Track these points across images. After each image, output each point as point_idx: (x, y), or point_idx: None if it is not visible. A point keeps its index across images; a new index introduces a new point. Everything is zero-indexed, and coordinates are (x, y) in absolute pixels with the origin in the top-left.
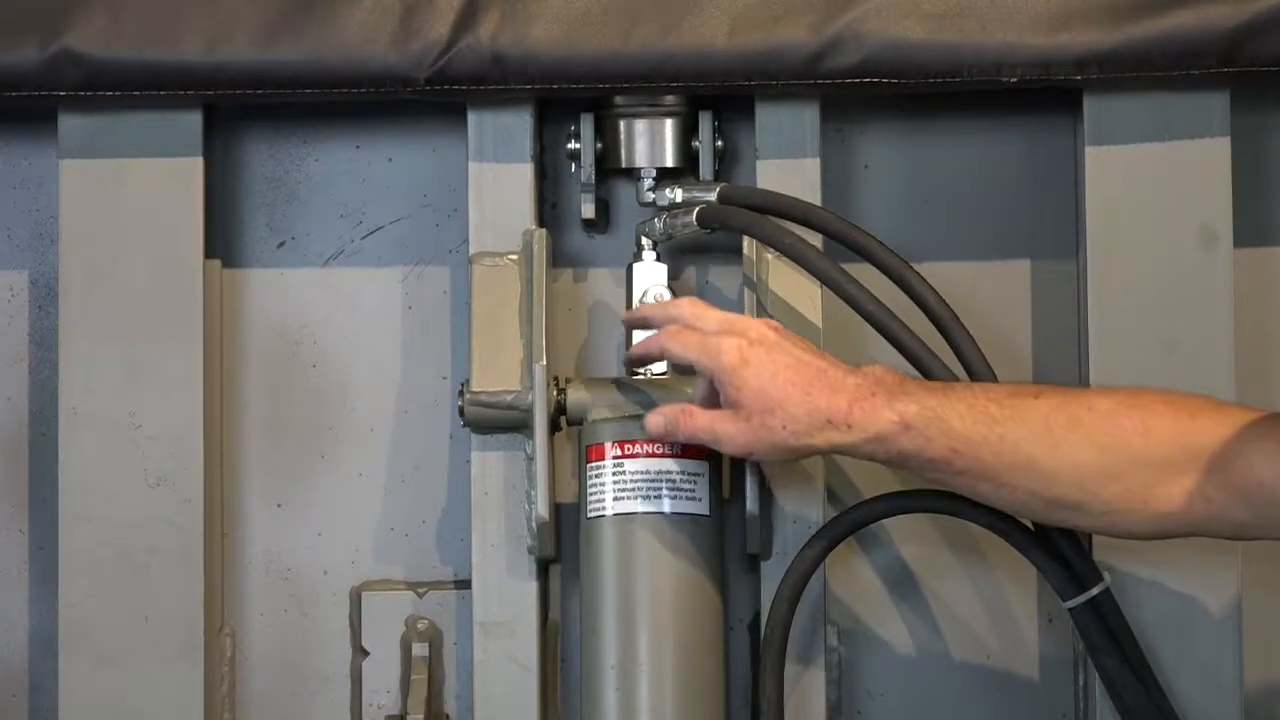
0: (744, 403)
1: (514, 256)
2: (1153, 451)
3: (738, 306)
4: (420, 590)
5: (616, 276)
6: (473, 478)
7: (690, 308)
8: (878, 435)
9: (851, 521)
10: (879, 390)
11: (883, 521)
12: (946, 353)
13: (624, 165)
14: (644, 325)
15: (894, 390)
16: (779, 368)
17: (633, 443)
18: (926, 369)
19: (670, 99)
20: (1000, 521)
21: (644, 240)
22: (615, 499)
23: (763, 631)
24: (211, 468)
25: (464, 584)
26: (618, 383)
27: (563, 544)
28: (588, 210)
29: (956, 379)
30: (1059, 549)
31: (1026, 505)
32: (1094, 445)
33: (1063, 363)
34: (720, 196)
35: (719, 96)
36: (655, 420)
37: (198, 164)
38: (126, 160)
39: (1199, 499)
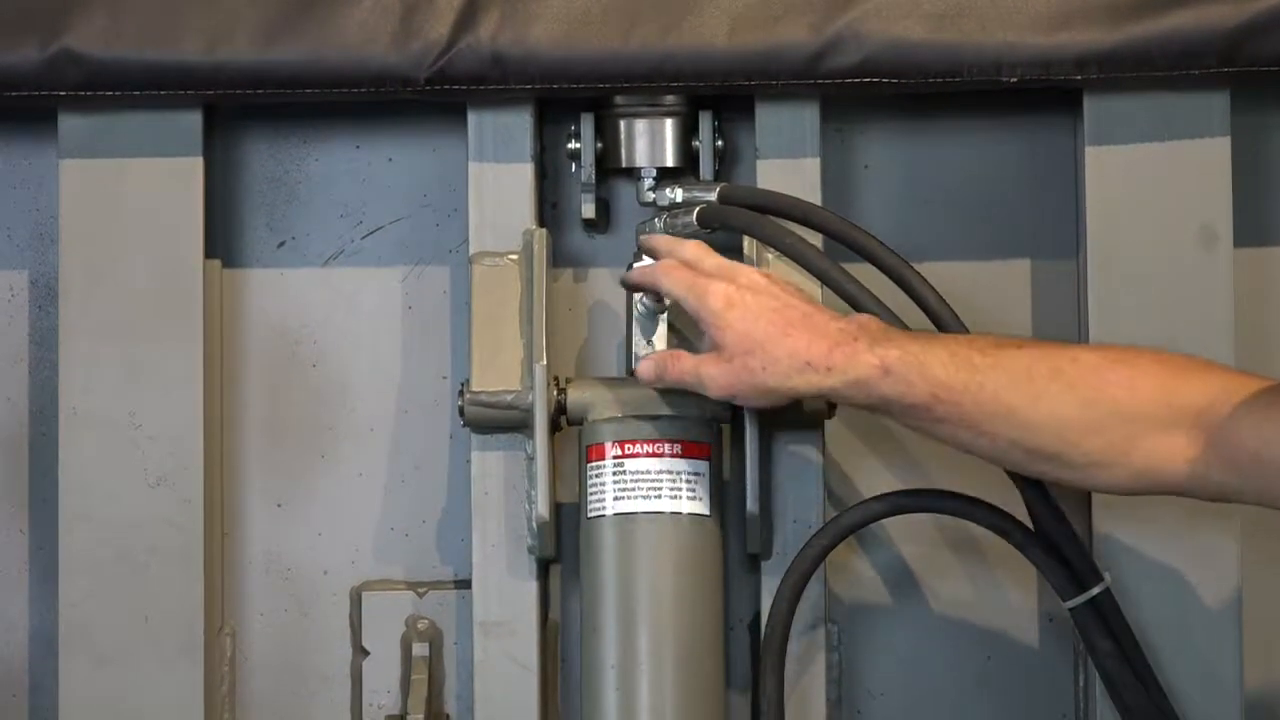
0: (727, 344)
1: (514, 256)
2: (1137, 407)
3: None
4: (420, 590)
5: (617, 276)
6: (473, 478)
7: (694, 250)
8: (858, 379)
9: (851, 521)
10: (861, 335)
11: (883, 521)
12: None
13: (624, 165)
14: (651, 255)
15: (877, 336)
16: (763, 310)
17: (633, 442)
18: None
19: (670, 99)
20: (1000, 521)
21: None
22: (616, 499)
23: (763, 631)
24: (211, 468)
25: (464, 584)
26: (618, 382)
27: (563, 544)
28: (588, 210)
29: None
30: (1059, 549)
31: (1007, 454)
32: (1076, 397)
33: None
34: (720, 196)
35: (719, 96)
36: (645, 366)
37: (198, 164)
38: (126, 160)
39: (1182, 459)
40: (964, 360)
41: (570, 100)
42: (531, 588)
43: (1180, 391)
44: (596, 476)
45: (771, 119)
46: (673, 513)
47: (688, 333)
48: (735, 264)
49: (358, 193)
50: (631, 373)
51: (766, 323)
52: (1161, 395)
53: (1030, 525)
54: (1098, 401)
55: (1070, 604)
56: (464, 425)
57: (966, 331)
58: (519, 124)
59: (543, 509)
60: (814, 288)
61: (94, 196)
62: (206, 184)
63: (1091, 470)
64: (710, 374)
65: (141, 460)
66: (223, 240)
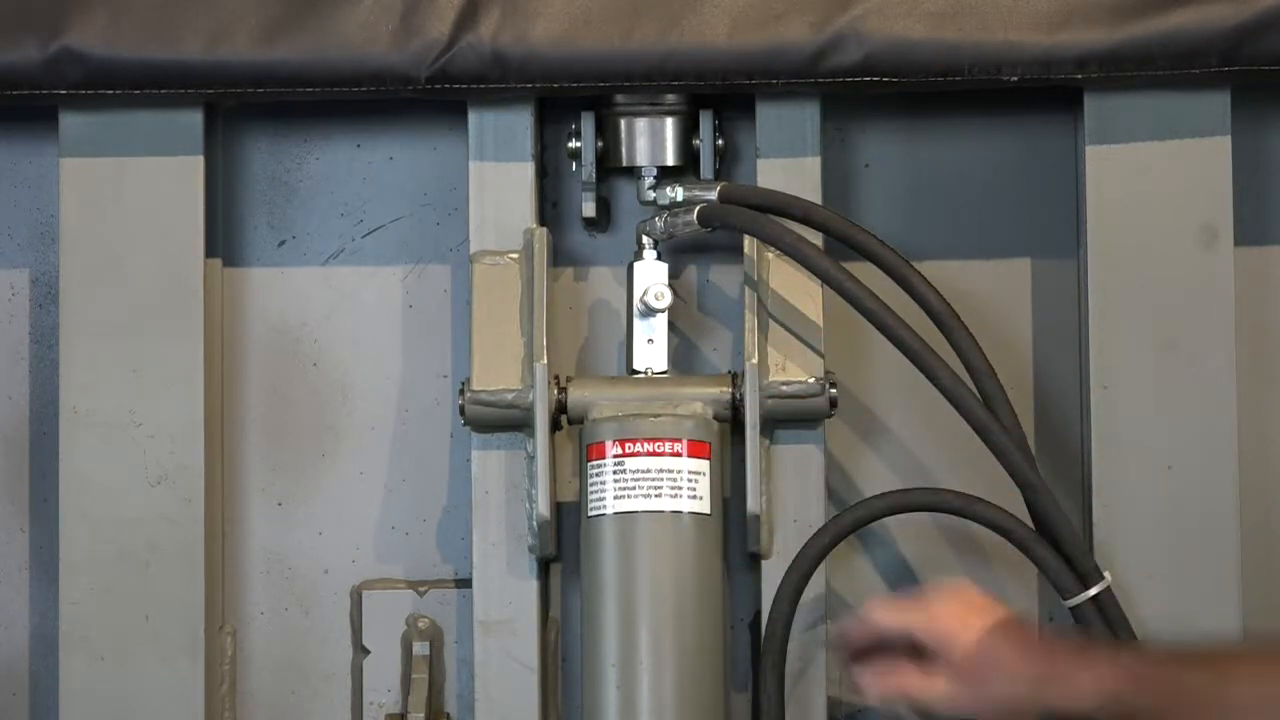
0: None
1: (515, 255)
2: None
3: (739, 305)
4: (421, 589)
5: (617, 275)
6: (473, 477)
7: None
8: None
9: (852, 521)
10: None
11: (883, 521)
12: (947, 351)
13: (625, 164)
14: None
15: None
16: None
17: (634, 441)
18: (927, 367)
19: (671, 98)
20: (1001, 520)
21: (645, 239)
22: (616, 497)
23: (763, 630)
24: (212, 466)
25: (464, 583)
26: (618, 381)
27: (563, 542)
28: (588, 209)
29: (958, 377)
30: (1060, 548)
31: None
32: None
33: (1063, 361)
34: (721, 195)
35: (720, 95)
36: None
37: (198, 163)
38: (127, 159)
39: None
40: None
41: (571, 99)
42: (532, 586)
43: None
44: (597, 475)
45: (772, 118)
46: (673, 512)
47: None
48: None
49: (358, 191)
50: (633, 372)
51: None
52: None
53: (1031, 524)
54: None
55: (1071, 602)
56: (464, 424)
57: (967, 330)
58: (519, 123)
59: (543, 508)
60: (815, 286)
61: (94, 195)
62: (207, 183)
63: None
64: None
65: (142, 459)
66: (223, 239)
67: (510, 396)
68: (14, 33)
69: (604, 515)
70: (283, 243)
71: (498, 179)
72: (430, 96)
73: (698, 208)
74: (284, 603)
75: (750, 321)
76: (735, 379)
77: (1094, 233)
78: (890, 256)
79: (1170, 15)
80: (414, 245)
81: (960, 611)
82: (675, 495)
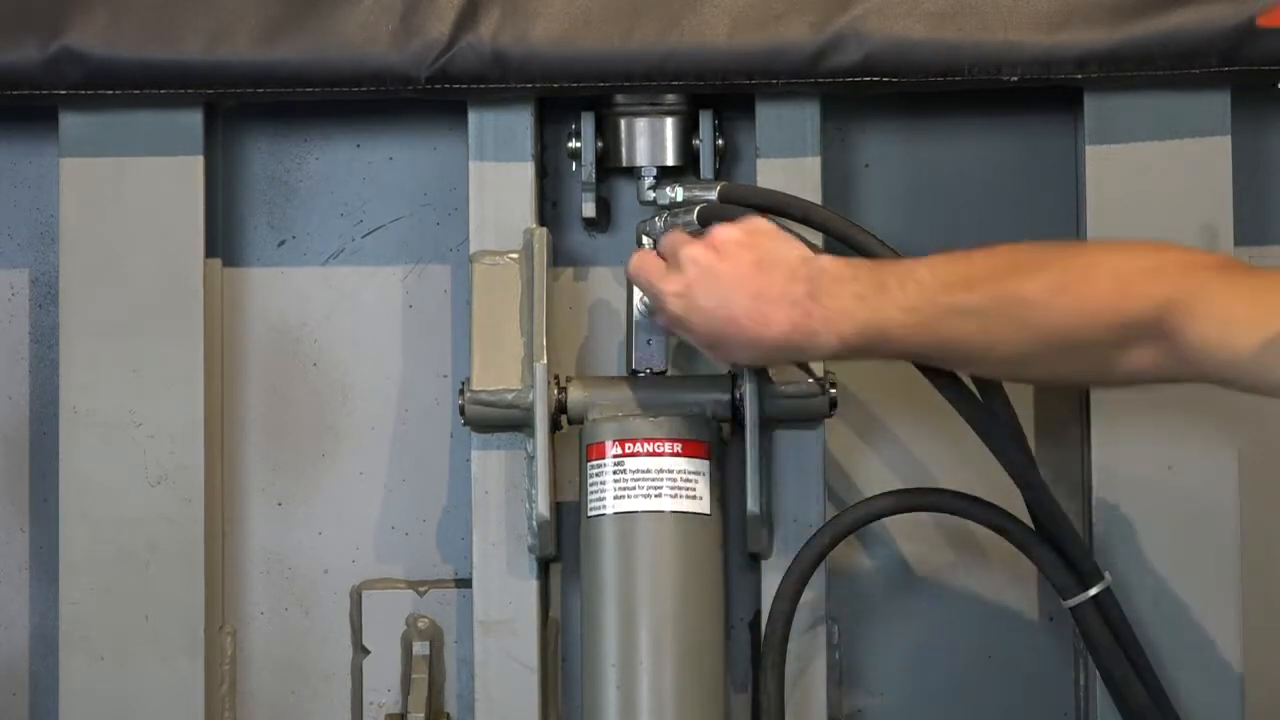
0: (696, 342)
1: (514, 255)
2: (1094, 336)
3: None
4: (421, 589)
5: (617, 275)
6: (473, 477)
7: (666, 242)
8: (822, 355)
9: (852, 520)
10: (815, 310)
11: (883, 520)
12: None
13: (625, 164)
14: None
15: (833, 306)
16: (715, 310)
17: (633, 441)
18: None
19: (671, 98)
20: (1001, 520)
21: (645, 239)
22: (616, 497)
23: (763, 630)
24: (212, 466)
25: (464, 583)
26: (619, 381)
27: (563, 543)
28: (588, 209)
29: (958, 376)
30: (1060, 547)
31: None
32: (1034, 338)
33: None
34: (721, 195)
35: (719, 95)
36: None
37: (198, 163)
38: (127, 159)
39: (1152, 365)
40: (922, 321)
41: (571, 99)
42: (532, 586)
43: (1130, 310)
44: (597, 476)
45: (772, 118)
46: (673, 512)
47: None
48: (688, 248)
49: (358, 191)
50: (633, 372)
51: (721, 322)
52: (1114, 319)
53: (1031, 524)
54: (1054, 341)
55: (1070, 602)
56: (464, 424)
57: None
58: (519, 123)
59: (543, 508)
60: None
61: (94, 195)
62: (207, 183)
63: (1082, 382)
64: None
65: (142, 459)
66: (223, 239)
67: (510, 396)
68: (14, 33)
69: (604, 515)
70: (283, 243)
71: (498, 179)
72: (430, 96)
73: (698, 208)
74: (284, 603)
75: None
76: (735, 379)
77: (1094, 233)
78: (890, 257)
79: (1170, 15)
80: (414, 245)
81: (683, 296)
82: (675, 495)
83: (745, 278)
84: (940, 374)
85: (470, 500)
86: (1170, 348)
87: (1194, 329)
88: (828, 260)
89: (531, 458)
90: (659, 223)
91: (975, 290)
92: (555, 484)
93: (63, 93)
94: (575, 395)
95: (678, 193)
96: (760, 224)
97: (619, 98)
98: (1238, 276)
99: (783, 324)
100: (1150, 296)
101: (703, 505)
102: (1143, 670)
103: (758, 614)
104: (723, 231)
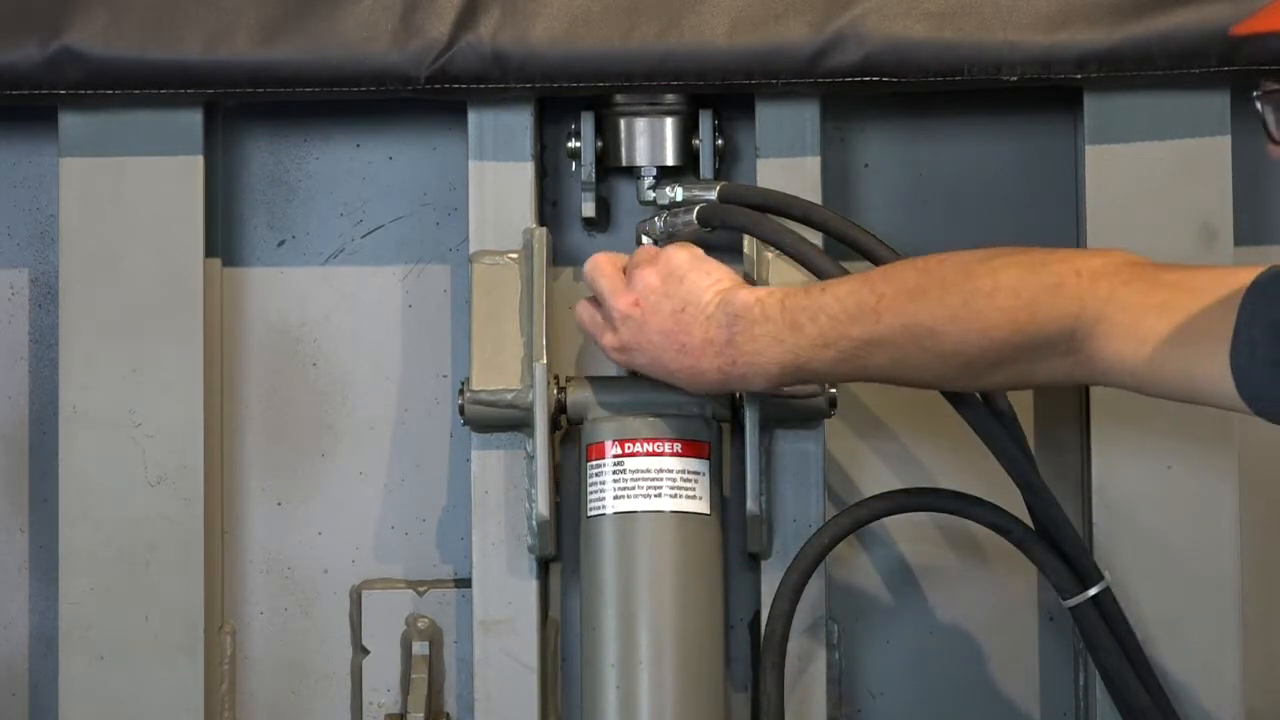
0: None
1: (514, 255)
2: (1000, 355)
3: None
4: (420, 589)
5: None
6: (473, 476)
7: (601, 283)
8: (764, 384)
9: (852, 521)
10: (733, 348)
11: (883, 520)
12: None
13: (624, 164)
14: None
15: (747, 338)
16: (650, 354)
17: (633, 441)
18: None
19: (670, 97)
20: (1001, 520)
21: (644, 239)
22: (616, 497)
23: (763, 630)
24: (212, 466)
25: (464, 582)
26: (618, 382)
27: (563, 542)
28: (588, 209)
29: None
30: (1060, 547)
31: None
32: (944, 360)
33: None
34: (720, 195)
35: (719, 95)
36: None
37: (198, 162)
38: (126, 159)
39: (1066, 374)
40: (838, 356)
41: (570, 99)
42: (531, 586)
43: (1034, 329)
44: (596, 475)
45: (772, 118)
46: (673, 512)
47: None
48: (619, 301)
49: (358, 191)
50: (632, 372)
51: (662, 374)
52: (1020, 340)
53: (1030, 524)
54: (966, 363)
55: (1070, 603)
56: (464, 424)
57: None
58: (519, 123)
59: (543, 508)
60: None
61: (94, 195)
62: (207, 182)
63: (1011, 388)
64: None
65: (142, 459)
66: (223, 239)
67: (510, 396)
68: (14, 33)
69: (603, 515)
70: (282, 243)
71: (497, 179)
72: (430, 96)
73: (697, 207)
74: (284, 603)
75: None
76: None
77: (1094, 233)
78: (890, 257)
79: (1170, 15)
80: (413, 245)
81: (621, 345)
82: (675, 495)
83: (668, 333)
84: None
85: (470, 500)
86: (1083, 360)
87: (1107, 347)
88: (741, 298)
89: (531, 458)
90: (659, 222)
91: (881, 320)
92: (555, 484)
93: (63, 92)
94: (575, 395)
95: (677, 192)
96: (674, 261)
97: (619, 98)
98: (1143, 286)
99: (713, 372)
100: (1055, 315)
101: (702, 505)
102: (1143, 670)
103: (757, 614)
104: (644, 277)
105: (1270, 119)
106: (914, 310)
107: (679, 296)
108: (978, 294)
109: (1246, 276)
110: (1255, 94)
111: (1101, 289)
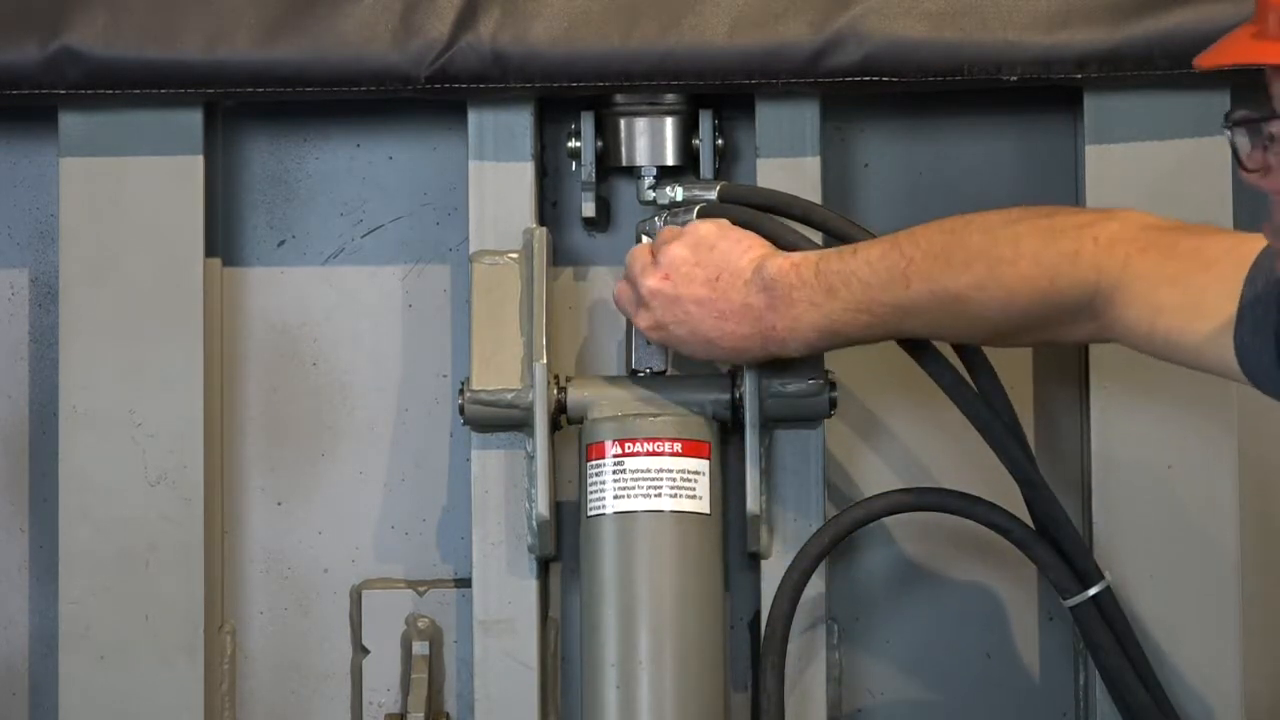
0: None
1: (514, 255)
2: (1026, 321)
3: None
4: (420, 589)
5: (617, 275)
6: (473, 476)
7: (634, 263)
8: (801, 349)
9: (851, 521)
10: (778, 320)
11: (883, 521)
12: (946, 349)
13: (624, 163)
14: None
15: (787, 314)
16: (688, 329)
17: (633, 441)
18: (929, 365)
19: (671, 97)
20: (1001, 520)
21: (644, 238)
22: (616, 497)
23: (763, 630)
24: (212, 466)
25: (464, 582)
26: (618, 381)
27: (563, 542)
28: (588, 209)
29: (959, 376)
30: (1060, 547)
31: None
32: (973, 325)
33: (1062, 360)
34: (721, 195)
35: (719, 95)
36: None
37: (198, 162)
38: (127, 158)
39: (1089, 336)
40: (871, 320)
41: (570, 99)
42: (531, 586)
43: (1056, 297)
44: (596, 475)
45: (772, 117)
46: (673, 511)
47: None
48: (649, 280)
49: (358, 191)
50: (632, 372)
51: (701, 344)
52: (1043, 308)
53: (1031, 524)
54: (993, 327)
55: (1070, 602)
56: (464, 424)
57: None
58: (519, 123)
59: (543, 508)
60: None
61: (94, 195)
62: (207, 182)
63: (1041, 346)
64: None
65: (142, 458)
66: (223, 238)
67: (510, 396)
68: (14, 33)
69: (603, 515)
70: (282, 242)
71: (497, 179)
72: (430, 96)
73: (697, 207)
74: (283, 602)
75: None
76: (735, 379)
77: None
78: None
79: (1170, 15)
80: (414, 245)
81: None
82: (675, 495)
83: (703, 301)
84: (941, 372)
85: (470, 500)
86: (1105, 325)
87: (1125, 314)
88: (776, 264)
89: (531, 457)
90: (659, 222)
91: (911, 287)
92: (555, 484)
93: (62, 92)
94: (575, 395)
95: (677, 192)
96: (702, 231)
97: (619, 97)
98: (1158, 256)
99: (753, 337)
100: (1074, 283)
101: (702, 505)
102: (1143, 670)
103: (757, 614)
104: (671, 251)
105: (1241, 147)
106: (941, 277)
107: (712, 264)
108: (1001, 262)
109: (1256, 245)
110: (1224, 124)
111: (1118, 255)
